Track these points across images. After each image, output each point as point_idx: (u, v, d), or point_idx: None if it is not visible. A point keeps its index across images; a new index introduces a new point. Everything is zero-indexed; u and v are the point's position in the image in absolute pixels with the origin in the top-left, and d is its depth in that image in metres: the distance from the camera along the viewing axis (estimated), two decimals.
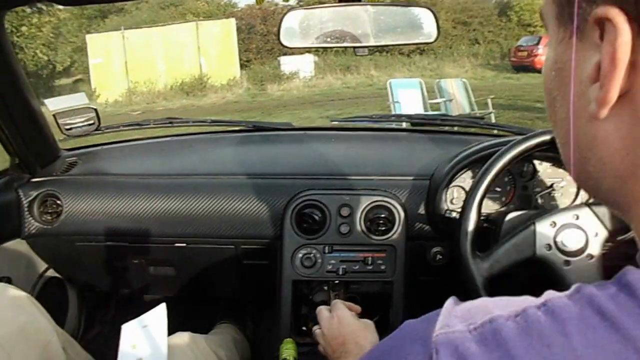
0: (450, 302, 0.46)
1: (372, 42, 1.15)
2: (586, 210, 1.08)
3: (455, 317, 0.43)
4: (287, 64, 19.35)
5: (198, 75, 18.96)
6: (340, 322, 1.07)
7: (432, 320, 0.44)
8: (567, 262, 1.08)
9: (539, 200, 1.42)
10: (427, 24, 1.18)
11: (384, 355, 0.48)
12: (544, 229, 1.09)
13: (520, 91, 13.25)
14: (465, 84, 9.39)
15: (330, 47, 1.21)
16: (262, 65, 20.81)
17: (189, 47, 19.28)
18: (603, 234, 1.08)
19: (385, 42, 1.18)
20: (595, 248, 1.08)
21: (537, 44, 17.59)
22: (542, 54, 17.10)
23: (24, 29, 18.31)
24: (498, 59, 20.86)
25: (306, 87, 18.11)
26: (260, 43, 21.24)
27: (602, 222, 1.08)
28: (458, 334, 0.40)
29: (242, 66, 20.86)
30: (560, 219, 1.09)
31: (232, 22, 20.01)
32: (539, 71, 16.89)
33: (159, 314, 1.07)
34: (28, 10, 17.40)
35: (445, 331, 0.41)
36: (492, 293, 1.04)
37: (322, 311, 1.12)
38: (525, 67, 17.55)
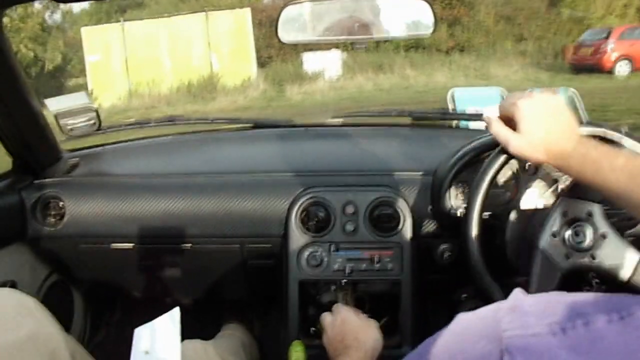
0: (517, 294, 0.47)
1: (369, 35, 1.34)
2: (596, 207, 1.23)
3: (530, 314, 0.42)
4: (311, 61, 19.30)
5: (208, 74, 18.97)
6: (343, 321, 1.25)
7: (495, 316, 0.45)
8: (568, 255, 1.20)
9: (544, 195, 1.58)
10: (424, 17, 1.35)
11: (440, 353, 0.49)
12: (550, 227, 1.22)
13: (597, 99, 11.84)
14: (574, 96, 7.52)
15: (328, 41, 1.38)
16: (283, 63, 20.90)
17: (198, 42, 19.30)
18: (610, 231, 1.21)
19: (383, 35, 1.35)
20: (598, 244, 1.19)
21: (607, 37, 16.68)
22: (614, 51, 16.47)
23: (5, 19, 18.46)
24: (550, 58, 20.56)
25: (332, 89, 17.94)
26: None
27: (606, 219, 1.22)
28: (539, 339, 0.40)
29: (262, 64, 20.86)
30: (564, 216, 1.23)
31: (247, 12, 19.94)
32: (608, 72, 15.97)
33: (172, 318, 1.16)
34: None
35: (521, 333, 0.41)
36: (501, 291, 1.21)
37: (326, 316, 1.33)
38: (589, 67, 16.76)
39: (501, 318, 0.43)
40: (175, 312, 1.15)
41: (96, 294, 2.18)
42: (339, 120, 2.28)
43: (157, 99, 17.96)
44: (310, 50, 19.84)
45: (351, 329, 1.21)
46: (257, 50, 20.60)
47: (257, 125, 2.14)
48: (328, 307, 1.69)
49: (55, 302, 1.86)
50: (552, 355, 0.36)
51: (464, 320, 0.48)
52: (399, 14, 1.36)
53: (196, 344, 1.38)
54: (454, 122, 2.54)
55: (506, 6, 22.70)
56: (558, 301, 0.41)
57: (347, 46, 21.24)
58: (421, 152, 1.79)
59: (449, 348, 0.47)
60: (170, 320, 1.14)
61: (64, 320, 1.86)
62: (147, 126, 2.05)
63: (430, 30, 1.37)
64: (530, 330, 0.40)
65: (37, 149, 1.79)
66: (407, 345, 1.59)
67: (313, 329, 1.66)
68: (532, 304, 0.43)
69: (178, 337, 1.11)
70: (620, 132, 1.24)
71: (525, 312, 0.42)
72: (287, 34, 1.36)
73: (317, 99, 16.63)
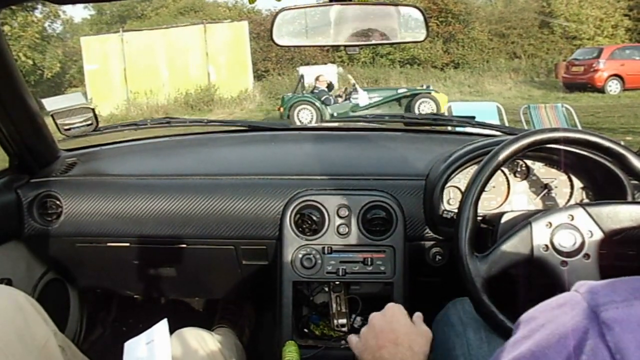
0: (582, 283, 0.53)
1: (361, 41, 1.35)
2: (580, 210, 1.23)
3: (612, 289, 0.48)
4: (307, 75, 19.43)
5: (205, 85, 19.07)
6: (394, 318, 1.11)
7: (571, 301, 0.51)
8: (564, 263, 1.22)
9: (534, 200, 1.60)
10: (416, 23, 1.37)
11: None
12: (539, 229, 1.24)
13: (590, 117, 12.13)
14: (568, 112, 8.02)
15: (321, 46, 1.41)
16: (280, 76, 21.13)
17: (196, 53, 19.41)
18: (598, 234, 1.22)
19: (375, 41, 1.37)
20: (591, 248, 1.22)
21: (598, 56, 16.74)
22: (605, 69, 16.52)
23: (6, 28, 18.41)
24: (543, 75, 20.86)
25: None
26: (280, 51, 21.46)
27: (596, 222, 1.23)
28: (633, 308, 0.45)
29: (259, 77, 21.07)
30: (555, 219, 1.24)
31: (245, 25, 20.08)
32: (599, 90, 16.01)
33: (161, 330, 1.16)
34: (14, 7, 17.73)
35: (616, 306, 0.46)
36: (491, 294, 1.21)
37: (376, 314, 1.18)
38: (581, 85, 16.86)
39: (577, 303, 0.48)
40: (164, 323, 1.16)
41: (92, 293, 2.18)
42: (333, 124, 2.29)
43: (155, 109, 18.03)
44: (307, 64, 19.93)
45: (406, 333, 1.08)
46: (254, 63, 20.75)
47: (252, 127, 2.15)
48: (321, 308, 1.70)
49: (51, 300, 1.85)
50: None
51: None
52: (391, 20, 1.37)
53: (193, 331, 1.37)
54: (448, 127, 2.56)
55: (500, 24, 23.00)
56: (626, 279, 0.48)
57: (343, 60, 21.41)
58: (414, 156, 1.81)
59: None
60: (160, 332, 1.15)
61: (59, 318, 1.85)
62: (144, 127, 2.06)
63: (423, 36, 1.38)
64: (621, 303, 0.45)
65: (34, 148, 1.79)
66: None
67: (306, 329, 1.67)
68: (605, 283, 0.49)
69: (169, 348, 1.11)
70: (619, 144, 1.26)
71: (609, 291, 0.47)
72: (281, 39, 1.37)
73: None
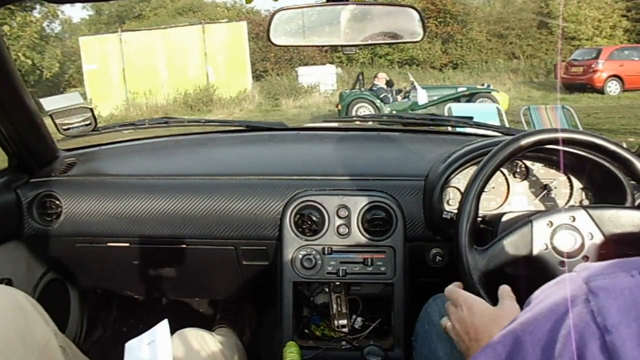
0: (581, 264, 0.58)
1: (358, 41, 1.35)
2: (582, 212, 1.24)
3: (605, 266, 0.52)
4: (306, 75, 19.39)
5: (204, 85, 19.03)
6: (471, 312, 1.07)
7: (568, 278, 0.55)
8: (563, 263, 1.23)
9: (534, 201, 1.61)
10: (413, 24, 1.37)
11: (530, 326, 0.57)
12: (540, 228, 1.24)
13: (591, 118, 12.10)
14: (569, 113, 7.93)
15: (318, 46, 1.40)
16: (278, 77, 21.11)
17: (195, 53, 19.36)
18: (598, 237, 1.23)
19: (371, 41, 1.37)
20: (590, 250, 1.22)
21: (597, 57, 16.66)
22: (604, 70, 16.45)
23: (5, 28, 18.43)
24: (542, 76, 20.82)
25: (327, 103, 17.96)
26: (279, 52, 21.56)
27: (597, 225, 1.23)
28: (618, 280, 0.49)
29: (257, 77, 21.04)
30: (556, 219, 1.24)
31: (243, 25, 19.98)
32: (599, 91, 15.89)
33: (162, 331, 1.17)
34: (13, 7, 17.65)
35: (604, 277, 0.50)
36: (487, 290, 1.21)
37: (449, 307, 1.14)
38: (580, 85, 16.72)
39: (579, 273, 0.52)
40: (165, 324, 1.16)
41: (92, 293, 2.19)
42: (331, 124, 2.29)
43: (155, 110, 17.93)
44: (306, 64, 19.95)
45: (484, 323, 1.03)
46: (253, 64, 20.72)
47: (251, 127, 2.15)
48: (322, 309, 1.70)
49: (51, 300, 1.85)
50: (635, 291, 0.45)
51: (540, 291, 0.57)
52: (389, 20, 1.37)
53: (194, 331, 1.37)
54: (447, 127, 2.57)
55: (498, 24, 23.01)
56: (621, 259, 0.52)
57: (342, 61, 21.43)
58: (413, 156, 1.81)
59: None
60: (161, 332, 1.15)
61: (60, 318, 1.85)
62: (142, 127, 2.06)
63: (420, 36, 1.38)
64: (609, 275, 0.49)
65: (33, 148, 1.79)
66: (400, 347, 1.59)
67: (306, 330, 1.67)
68: (601, 264, 0.53)
69: (170, 348, 1.11)
70: (621, 145, 1.26)
71: (600, 267, 0.51)
72: (278, 38, 1.37)
73: (312, 113, 16.63)
